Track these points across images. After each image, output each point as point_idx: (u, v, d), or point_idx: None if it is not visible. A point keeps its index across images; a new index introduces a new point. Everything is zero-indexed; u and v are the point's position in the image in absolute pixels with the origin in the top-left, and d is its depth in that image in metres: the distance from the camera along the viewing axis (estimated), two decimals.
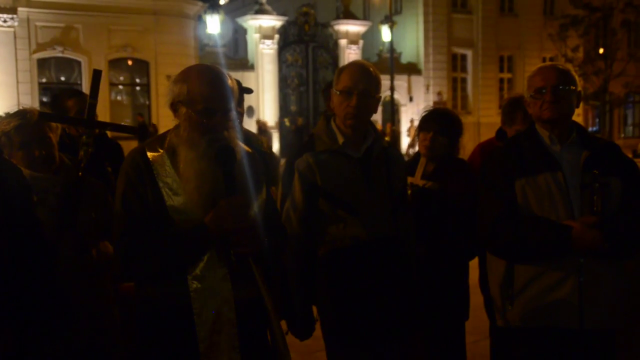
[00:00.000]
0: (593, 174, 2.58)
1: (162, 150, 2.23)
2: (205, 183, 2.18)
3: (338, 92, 2.81)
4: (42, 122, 2.71)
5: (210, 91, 2.18)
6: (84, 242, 2.55)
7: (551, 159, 2.65)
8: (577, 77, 2.74)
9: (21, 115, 2.68)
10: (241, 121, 3.25)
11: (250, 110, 23.51)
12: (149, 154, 2.22)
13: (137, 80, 22.48)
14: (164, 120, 19.26)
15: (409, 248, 2.96)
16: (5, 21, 19.08)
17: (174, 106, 2.23)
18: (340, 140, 2.83)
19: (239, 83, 2.86)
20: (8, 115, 2.72)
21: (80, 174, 2.72)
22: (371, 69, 2.85)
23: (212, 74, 2.22)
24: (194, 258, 2.18)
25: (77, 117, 2.90)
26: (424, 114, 3.54)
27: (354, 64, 2.91)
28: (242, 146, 2.36)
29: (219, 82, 2.21)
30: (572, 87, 2.69)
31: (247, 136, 3.28)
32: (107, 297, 2.75)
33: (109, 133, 3.64)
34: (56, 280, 1.94)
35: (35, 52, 19.89)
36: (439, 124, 3.41)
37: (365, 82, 2.78)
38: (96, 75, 2.88)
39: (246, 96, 3.49)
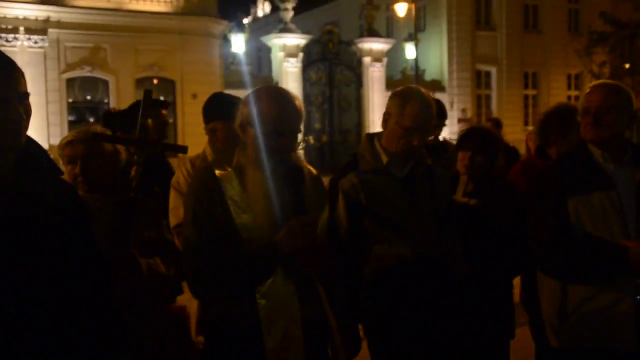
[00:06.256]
0: None
1: (230, 169, 2.29)
2: (273, 203, 2.23)
3: (397, 125, 2.79)
4: (92, 141, 2.75)
5: (280, 113, 2.22)
6: (136, 260, 2.57)
7: (604, 177, 2.62)
8: (632, 94, 2.70)
9: (77, 132, 2.80)
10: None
11: None
12: (217, 172, 2.28)
13: (163, 99, 22.70)
14: (190, 137, 19.37)
15: (457, 267, 2.93)
16: (36, 42, 19.41)
17: (242, 127, 2.29)
18: (385, 159, 2.84)
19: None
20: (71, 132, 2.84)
21: (132, 193, 2.75)
22: (432, 104, 2.85)
23: (282, 96, 2.27)
24: (264, 276, 2.22)
25: (129, 137, 2.94)
26: (461, 134, 3.55)
27: (418, 99, 2.79)
28: (308, 167, 2.43)
29: (288, 104, 2.25)
30: (620, 106, 2.64)
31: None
32: (157, 316, 2.76)
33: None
34: (114, 300, 1.97)
35: (64, 72, 20.19)
36: (477, 142, 3.41)
37: (428, 121, 2.81)
38: (147, 95, 2.91)
39: None
